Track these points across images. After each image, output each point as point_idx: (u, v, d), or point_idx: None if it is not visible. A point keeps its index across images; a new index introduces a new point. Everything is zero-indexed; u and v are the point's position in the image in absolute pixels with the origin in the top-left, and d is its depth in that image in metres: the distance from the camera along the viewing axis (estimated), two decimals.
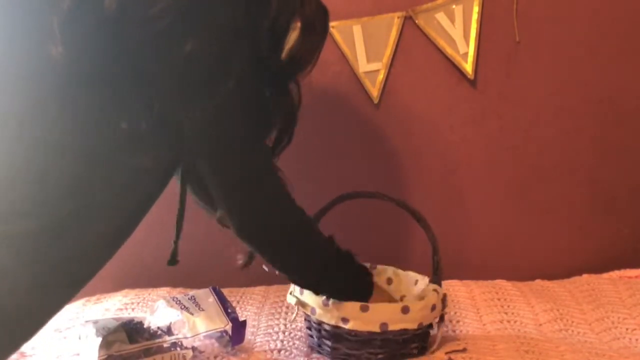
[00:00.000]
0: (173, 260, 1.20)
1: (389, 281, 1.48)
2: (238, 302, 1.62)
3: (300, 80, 1.17)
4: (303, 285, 1.30)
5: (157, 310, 1.35)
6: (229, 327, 1.33)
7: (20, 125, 0.93)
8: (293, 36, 1.08)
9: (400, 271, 1.47)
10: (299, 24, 1.08)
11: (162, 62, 0.95)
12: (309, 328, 1.37)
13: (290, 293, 1.36)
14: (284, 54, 1.08)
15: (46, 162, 0.93)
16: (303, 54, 1.10)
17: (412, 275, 1.45)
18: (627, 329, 1.44)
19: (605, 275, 1.76)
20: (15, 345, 0.97)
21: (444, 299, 1.32)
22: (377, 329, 1.24)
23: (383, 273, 1.49)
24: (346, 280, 1.27)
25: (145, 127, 0.96)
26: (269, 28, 1.03)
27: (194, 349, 1.30)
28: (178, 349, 1.27)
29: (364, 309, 1.23)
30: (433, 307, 1.28)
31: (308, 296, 1.30)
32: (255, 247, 1.15)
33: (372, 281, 1.31)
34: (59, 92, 0.94)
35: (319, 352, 1.34)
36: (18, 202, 0.92)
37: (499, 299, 1.60)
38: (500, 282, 1.72)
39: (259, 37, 1.03)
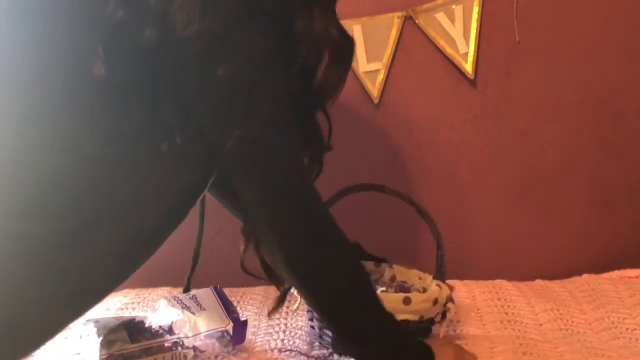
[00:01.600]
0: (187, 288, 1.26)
1: (393, 278, 1.48)
2: (238, 302, 1.62)
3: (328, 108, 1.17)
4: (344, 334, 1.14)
5: (159, 309, 1.35)
6: (230, 326, 1.33)
7: (60, 133, 0.95)
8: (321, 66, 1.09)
9: (403, 269, 1.48)
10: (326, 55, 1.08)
11: (197, 84, 0.96)
12: (310, 319, 1.37)
13: None
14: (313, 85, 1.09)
15: (78, 171, 0.95)
16: (330, 84, 1.11)
17: (416, 273, 1.45)
18: (627, 329, 1.44)
19: (605, 275, 1.76)
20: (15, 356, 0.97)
21: (449, 295, 1.32)
22: None
23: (387, 271, 1.49)
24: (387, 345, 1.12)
25: (180, 144, 0.98)
26: (300, 63, 1.05)
27: (195, 348, 1.30)
28: (179, 348, 1.27)
29: None
30: (435, 301, 1.28)
31: None
32: (286, 269, 1.07)
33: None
34: (99, 107, 0.95)
35: (320, 344, 1.34)
36: (34, 203, 0.93)
37: (499, 299, 1.60)
38: (501, 282, 1.72)
39: (291, 68, 1.04)
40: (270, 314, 1.22)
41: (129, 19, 0.93)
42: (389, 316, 1.11)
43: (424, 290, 1.38)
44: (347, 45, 1.10)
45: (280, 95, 1.00)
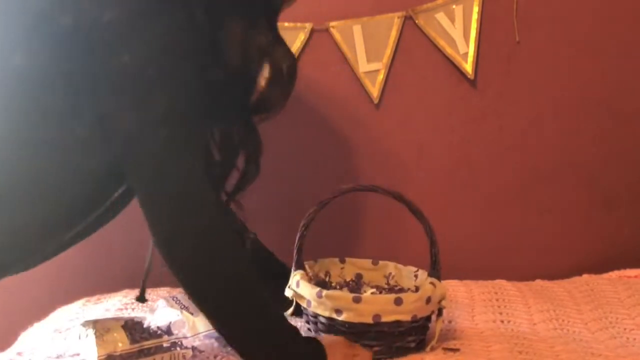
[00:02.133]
0: (142, 297, 1.28)
1: (390, 276, 1.48)
2: None
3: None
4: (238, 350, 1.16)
5: (157, 309, 1.35)
6: None
7: None
8: (263, 81, 1.10)
9: (401, 266, 1.48)
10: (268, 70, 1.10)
11: (102, 68, 0.99)
12: (307, 322, 1.37)
13: (289, 287, 1.37)
14: (254, 97, 1.10)
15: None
16: (272, 98, 1.13)
17: (412, 269, 1.45)
18: (625, 329, 1.44)
19: (605, 275, 1.76)
20: None
21: (444, 294, 1.32)
22: (370, 320, 1.24)
23: (384, 268, 1.50)
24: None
25: (89, 129, 1.02)
26: (236, 71, 1.06)
27: (193, 348, 1.30)
28: (178, 348, 1.27)
29: (357, 300, 1.24)
30: (428, 300, 1.28)
31: (304, 288, 1.31)
32: (175, 270, 1.09)
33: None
34: (21, 94, 1.01)
35: None
36: None
37: (497, 299, 1.60)
38: (500, 282, 1.72)
39: (214, 63, 1.05)
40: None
41: (48, 8, 0.98)
42: (277, 320, 1.15)
43: (417, 289, 1.38)
44: (287, 60, 1.12)
45: (181, 94, 1.01)
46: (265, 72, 1.10)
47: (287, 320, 1.18)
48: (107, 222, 1.23)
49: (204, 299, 1.11)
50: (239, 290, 1.09)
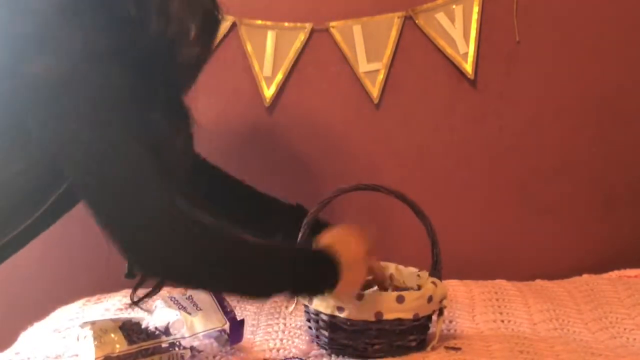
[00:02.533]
0: (130, 273, 1.20)
1: (391, 277, 1.48)
2: (238, 302, 1.62)
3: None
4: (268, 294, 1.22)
5: (155, 310, 1.35)
6: (227, 326, 1.33)
7: None
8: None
9: (401, 267, 1.48)
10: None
11: (14, 82, 0.97)
12: (308, 320, 1.37)
13: None
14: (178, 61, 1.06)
15: None
16: (193, 58, 1.08)
17: (413, 270, 1.45)
18: (624, 329, 1.45)
19: (605, 275, 1.76)
20: None
21: (445, 293, 1.32)
22: (372, 318, 1.25)
23: (385, 269, 1.50)
24: (307, 276, 1.18)
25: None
26: (155, 38, 1.02)
27: (192, 348, 1.30)
28: (176, 348, 1.28)
29: (359, 298, 1.24)
30: (430, 299, 1.28)
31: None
32: (175, 281, 1.11)
33: (337, 263, 1.18)
34: None
35: (317, 344, 1.35)
36: None
37: (497, 299, 1.60)
38: (500, 282, 1.72)
39: (141, 54, 1.02)
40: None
41: None
42: (288, 252, 1.17)
43: (419, 287, 1.38)
44: (215, 15, 1.10)
45: (102, 93, 0.98)
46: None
47: (288, 247, 1.21)
48: (45, 229, 1.19)
49: (199, 281, 1.10)
50: (224, 255, 1.06)
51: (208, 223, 1.06)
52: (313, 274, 1.18)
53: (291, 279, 1.15)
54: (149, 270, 1.07)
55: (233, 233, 1.12)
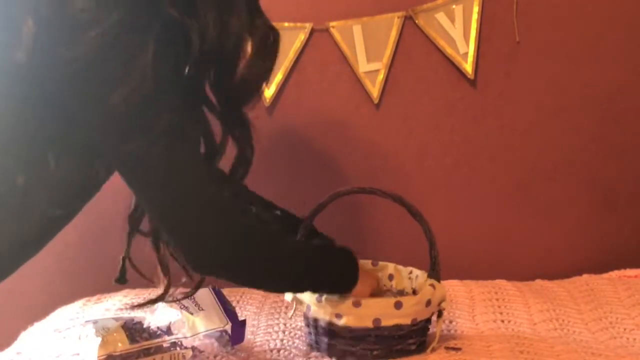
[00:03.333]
0: (122, 278, 1.25)
1: (390, 277, 1.48)
2: (238, 302, 1.62)
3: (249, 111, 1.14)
4: (286, 290, 1.30)
5: (157, 310, 1.35)
6: (228, 326, 1.33)
7: None
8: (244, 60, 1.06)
9: (400, 267, 1.48)
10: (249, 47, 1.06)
11: (82, 106, 0.95)
12: (307, 325, 1.37)
13: None
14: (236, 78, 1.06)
15: None
16: (252, 77, 1.08)
17: (412, 271, 1.45)
18: (624, 329, 1.45)
19: (605, 275, 1.76)
20: None
21: (444, 295, 1.32)
22: (370, 325, 1.25)
23: (384, 269, 1.50)
24: (330, 274, 1.24)
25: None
26: (214, 53, 1.01)
27: (193, 348, 1.31)
28: (178, 348, 1.28)
29: (357, 305, 1.24)
30: (428, 302, 1.28)
31: (304, 293, 1.31)
32: (223, 277, 1.12)
33: (357, 263, 1.29)
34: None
35: (317, 350, 1.35)
36: None
37: (497, 299, 1.61)
38: (500, 282, 1.72)
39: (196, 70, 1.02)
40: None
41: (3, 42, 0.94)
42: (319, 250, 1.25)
43: (414, 291, 1.38)
44: (269, 35, 1.09)
45: (169, 106, 0.97)
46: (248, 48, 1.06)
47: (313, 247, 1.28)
48: None
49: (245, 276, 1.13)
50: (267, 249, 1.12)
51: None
52: (340, 275, 1.26)
53: (326, 277, 1.24)
54: (212, 269, 1.09)
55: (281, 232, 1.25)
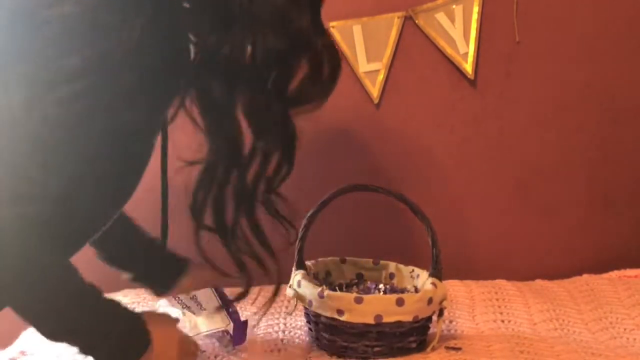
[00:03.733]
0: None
1: (392, 276, 1.48)
2: (238, 302, 1.62)
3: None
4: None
5: (159, 309, 1.35)
6: (230, 327, 1.33)
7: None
8: (300, 74, 1.04)
9: (401, 266, 1.48)
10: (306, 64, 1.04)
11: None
12: (308, 322, 1.37)
13: (290, 286, 1.37)
14: (290, 90, 1.04)
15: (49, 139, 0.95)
16: (307, 96, 1.07)
17: (414, 269, 1.46)
18: (624, 329, 1.45)
19: (605, 275, 1.76)
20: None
21: (445, 294, 1.32)
22: (371, 321, 1.25)
23: (385, 268, 1.50)
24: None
25: None
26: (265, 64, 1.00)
27: None
28: None
29: (358, 301, 1.25)
30: (429, 300, 1.28)
31: (305, 289, 1.31)
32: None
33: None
34: None
35: (318, 346, 1.35)
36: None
37: (497, 299, 1.61)
38: (500, 282, 1.72)
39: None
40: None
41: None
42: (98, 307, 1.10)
43: (416, 289, 1.38)
44: (329, 54, 1.06)
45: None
46: (305, 65, 1.04)
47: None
48: None
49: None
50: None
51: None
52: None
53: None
54: None
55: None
